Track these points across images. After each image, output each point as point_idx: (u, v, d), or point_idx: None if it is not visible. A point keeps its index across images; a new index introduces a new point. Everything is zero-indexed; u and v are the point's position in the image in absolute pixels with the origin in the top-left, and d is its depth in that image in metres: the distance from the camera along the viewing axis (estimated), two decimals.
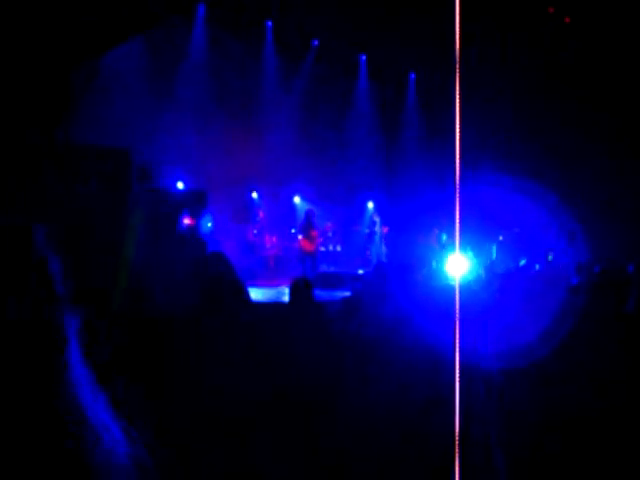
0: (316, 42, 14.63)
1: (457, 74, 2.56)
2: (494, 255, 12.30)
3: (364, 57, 15.73)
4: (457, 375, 2.37)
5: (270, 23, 13.98)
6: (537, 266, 11.39)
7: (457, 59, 2.53)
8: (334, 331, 4.03)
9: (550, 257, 12.32)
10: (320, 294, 8.47)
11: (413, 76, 16.46)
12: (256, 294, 8.41)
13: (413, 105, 16.59)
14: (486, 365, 3.56)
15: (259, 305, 5.98)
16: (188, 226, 10.90)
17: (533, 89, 13.33)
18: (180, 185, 11.49)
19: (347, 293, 5.33)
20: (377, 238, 13.20)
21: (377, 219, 13.52)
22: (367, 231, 14.14)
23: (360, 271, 12.79)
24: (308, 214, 12.40)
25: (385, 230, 14.17)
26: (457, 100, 2.59)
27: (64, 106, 8.01)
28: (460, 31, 2.49)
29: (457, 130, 2.64)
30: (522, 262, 12.16)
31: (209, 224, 12.63)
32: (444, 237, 12.75)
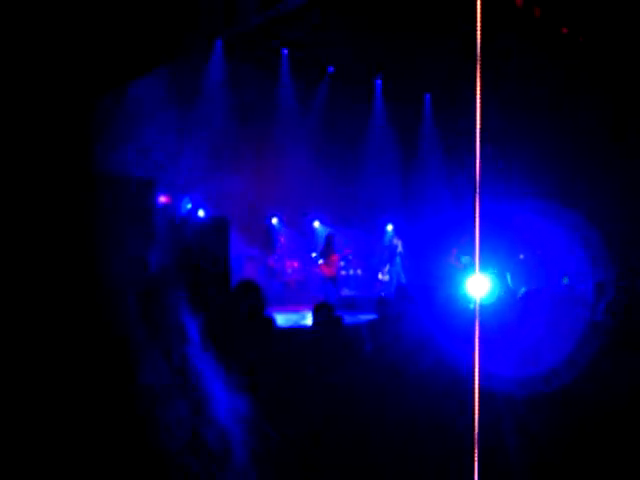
0: (331, 68, 14.82)
1: (477, 93, 2.63)
2: (509, 279, 12.10)
3: (379, 82, 15.88)
4: (476, 399, 2.39)
5: (286, 51, 14.20)
6: (565, 279, 11.28)
7: (478, 77, 2.60)
8: (362, 353, 4.07)
9: (565, 280, 12.19)
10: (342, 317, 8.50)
11: (428, 96, 16.55)
12: (279, 319, 8.45)
13: (430, 126, 16.66)
14: (508, 390, 3.56)
15: (283, 330, 6.03)
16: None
17: (556, 107, 13.32)
18: (201, 213, 11.63)
19: (373, 316, 5.35)
20: (398, 260, 13.13)
21: (398, 242, 13.45)
22: (385, 253, 14.11)
23: (382, 294, 12.80)
24: (328, 238, 12.47)
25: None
26: (477, 119, 2.65)
27: (90, 136, 8.18)
28: (480, 50, 2.56)
29: (477, 151, 2.70)
30: (522, 290, 12.04)
31: (188, 205, 12.77)
32: (464, 258, 12.66)
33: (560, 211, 12.80)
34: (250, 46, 12.88)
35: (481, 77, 2.65)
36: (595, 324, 4.34)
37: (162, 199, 12.58)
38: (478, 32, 2.28)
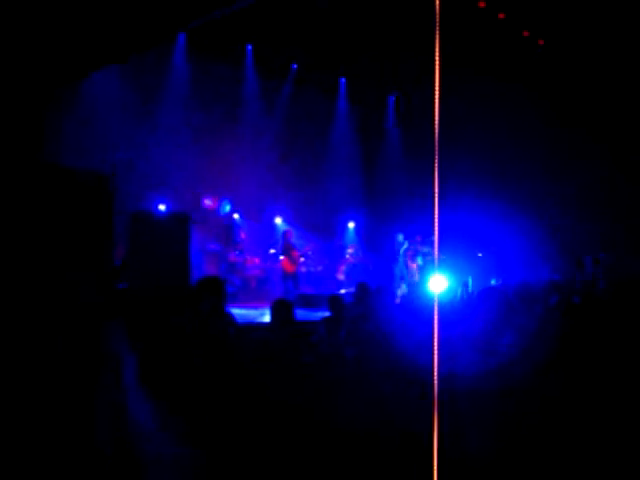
0: (295, 66, 14.84)
1: (436, 97, 2.67)
2: (470, 283, 12.18)
3: (344, 80, 15.95)
4: (435, 395, 2.43)
5: (250, 47, 14.17)
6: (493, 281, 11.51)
7: (436, 82, 2.64)
8: (318, 350, 4.10)
9: (493, 281, 12.47)
10: (301, 314, 8.54)
11: (392, 98, 16.68)
12: (238, 315, 8.44)
13: (393, 127, 16.78)
14: (466, 385, 3.62)
15: (242, 326, 6.02)
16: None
17: (513, 115, 13.57)
18: (162, 208, 11.54)
19: (327, 313, 5.37)
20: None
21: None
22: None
23: (342, 291, 12.85)
24: (285, 235, 12.52)
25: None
26: (436, 121, 2.69)
27: (43, 130, 8.09)
28: (439, 54, 2.60)
29: (436, 152, 2.73)
30: (493, 281, 12.29)
31: (227, 207, 12.95)
32: (419, 259, 12.68)
33: (516, 213, 13.13)
34: (215, 40, 12.81)
35: (442, 82, 2.69)
36: (547, 320, 4.44)
37: (207, 202, 12.86)
38: (437, 34, 2.32)
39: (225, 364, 3.25)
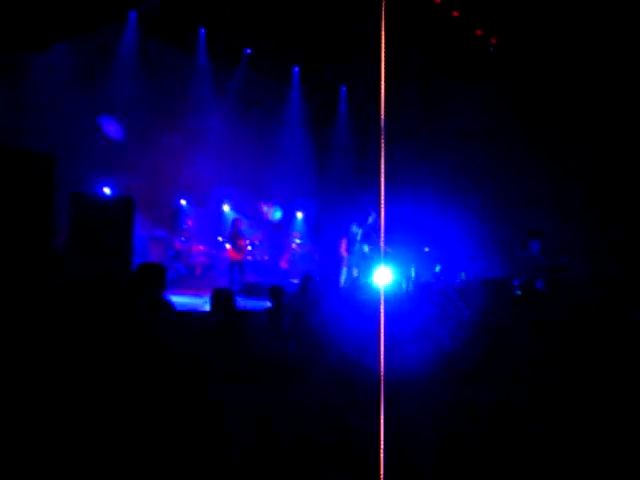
0: (249, 51, 14.67)
1: (382, 89, 2.65)
2: (412, 272, 12.20)
3: (297, 68, 15.86)
4: (381, 387, 2.42)
5: (203, 30, 13.94)
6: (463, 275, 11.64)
7: (382, 75, 2.62)
8: (259, 342, 4.06)
9: (437, 268, 12.62)
10: (246, 303, 8.48)
11: (344, 89, 16.69)
12: (180, 303, 8.33)
13: (344, 117, 16.81)
14: (410, 376, 3.64)
15: (182, 313, 5.93)
16: None
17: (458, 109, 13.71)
18: (107, 191, 11.29)
19: (268, 303, 5.32)
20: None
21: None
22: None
23: (295, 280, 12.75)
24: (235, 223, 12.39)
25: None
26: (382, 112, 2.67)
27: None
28: (385, 47, 2.58)
29: (382, 145, 2.72)
30: (437, 268, 12.44)
31: (279, 214, 13.04)
32: (365, 248, 12.48)
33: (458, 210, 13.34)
34: (167, 22, 12.56)
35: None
36: (487, 312, 4.51)
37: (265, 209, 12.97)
38: (382, 26, 2.29)
39: (158, 355, 3.17)
